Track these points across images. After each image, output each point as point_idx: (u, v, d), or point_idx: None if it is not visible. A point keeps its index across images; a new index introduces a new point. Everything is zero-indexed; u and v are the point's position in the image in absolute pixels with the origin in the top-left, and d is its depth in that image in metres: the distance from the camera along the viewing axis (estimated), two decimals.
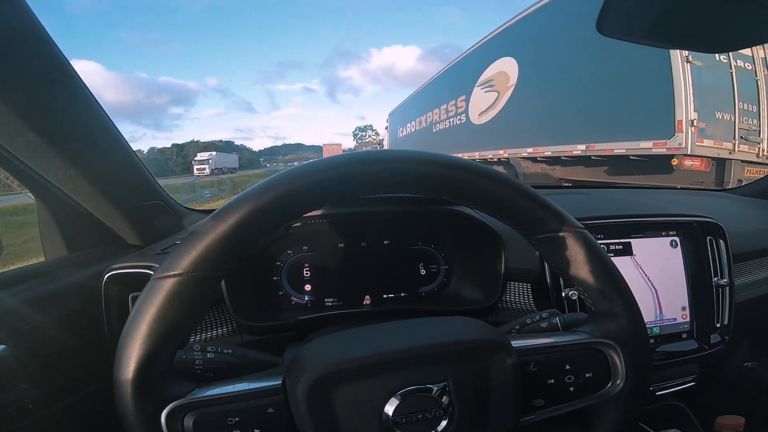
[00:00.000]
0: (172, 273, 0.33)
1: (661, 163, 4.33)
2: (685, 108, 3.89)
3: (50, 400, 0.51)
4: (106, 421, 0.54)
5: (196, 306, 0.34)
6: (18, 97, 0.47)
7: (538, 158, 6.27)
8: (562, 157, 5.72)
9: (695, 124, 3.87)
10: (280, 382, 0.36)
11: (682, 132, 3.91)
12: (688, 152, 3.91)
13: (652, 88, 4.20)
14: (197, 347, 0.41)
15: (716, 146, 4.01)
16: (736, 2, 0.38)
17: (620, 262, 0.52)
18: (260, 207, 0.35)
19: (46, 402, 0.50)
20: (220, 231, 0.34)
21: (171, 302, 0.33)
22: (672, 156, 4.07)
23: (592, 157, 5.11)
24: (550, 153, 5.90)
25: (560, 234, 0.41)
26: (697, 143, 3.90)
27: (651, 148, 4.24)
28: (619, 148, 4.63)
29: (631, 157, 4.55)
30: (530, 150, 6.32)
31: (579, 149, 5.23)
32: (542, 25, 6.02)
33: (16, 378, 0.47)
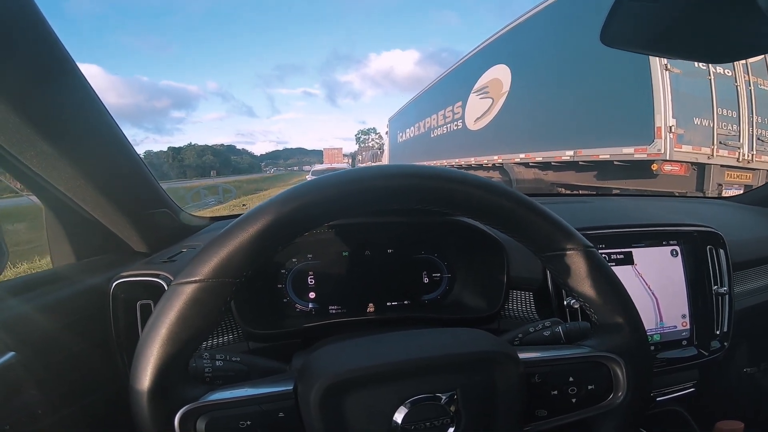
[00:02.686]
0: (193, 279, 0.34)
1: (643, 168, 4.49)
2: (664, 115, 4.08)
3: (59, 405, 0.52)
4: (114, 426, 0.56)
5: (214, 312, 0.35)
6: (31, 107, 0.47)
7: (530, 164, 6.42)
8: (553, 163, 5.88)
9: (673, 130, 4.06)
10: (291, 388, 0.37)
11: (661, 138, 4.09)
12: (667, 157, 4.09)
13: (634, 96, 4.40)
14: (206, 355, 0.42)
15: (695, 151, 4.18)
16: (739, 14, 0.38)
17: (621, 272, 0.53)
18: (282, 216, 0.36)
19: (55, 407, 0.51)
20: (241, 239, 0.35)
21: (191, 307, 0.34)
22: (652, 161, 4.25)
23: (580, 163, 5.29)
24: (541, 158, 6.07)
25: (569, 252, 0.43)
26: (675, 149, 4.09)
27: (633, 154, 4.44)
28: (603, 153, 4.83)
29: (616, 163, 4.74)
30: (522, 155, 6.48)
31: (567, 155, 5.41)
32: (532, 34, 6.22)
33: (25, 384, 0.47)
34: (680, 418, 0.92)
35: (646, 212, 1.03)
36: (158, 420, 0.34)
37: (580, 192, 5.35)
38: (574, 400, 0.43)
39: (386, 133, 18.18)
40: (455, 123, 9.25)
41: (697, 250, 0.84)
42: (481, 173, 8.19)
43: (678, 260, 0.84)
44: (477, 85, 7.97)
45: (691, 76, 4.24)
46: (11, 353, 0.46)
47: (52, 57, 0.49)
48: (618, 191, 4.80)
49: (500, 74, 7.14)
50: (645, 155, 4.28)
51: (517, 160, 6.68)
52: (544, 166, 6.23)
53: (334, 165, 19.88)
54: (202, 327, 0.35)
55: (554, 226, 0.42)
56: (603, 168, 5.10)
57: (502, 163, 7.26)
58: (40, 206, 0.68)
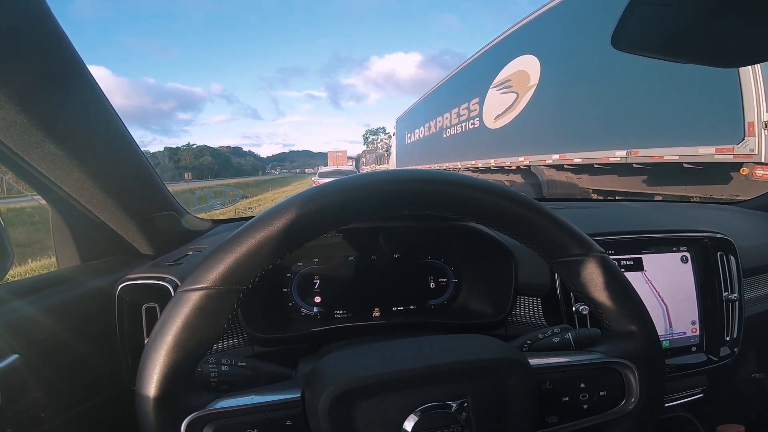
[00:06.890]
0: (199, 286, 0.34)
1: (718, 172, 3.73)
2: (757, 108, 3.28)
3: (62, 408, 0.52)
4: (118, 429, 0.57)
5: (221, 319, 0.34)
6: (38, 107, 0.47)
7: (565, 166, 5.66)
8: (595, 165, 5.11)
9: None
10: (299, 395, 0.36)
11: (754, 136, 3.29)
12: (762, 159, 3.28)
13: (715, 85, 3.58)
14: (212, 360, 0.42)
15: None
16: (754, 16, 0.37)
17: (631, 278, 0.47)
18: (288, 224, 0.35)
19: (59, 410, 0.51)
20: (247, 246, 0.34)
21: (197, 315, 0.33)
22: (740, 164, 3.45)
23: (634, 165, 4.49)
24: (580, 160, 5.29)
25: (581, 258, 0.42)
26: None
27: (713, 155, 3.60)
28: (670, 154, 3.99)
29: (685, 165, 3.93)
30: (556, 157, 5.72)
31: (618, 155, 4.60)
32: (568, 19, 5.47)
33: (28, 387, 0.47)
34: (688, 423, 0.91)
35: (656, 218, 1.03)
36: (164, 427, 0.33)
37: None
38: (585, 407, 0.43)
39: (393, 134, 17.52)
40: (471, 121, 8.55)
41: (708, 257, 0.82)
42: (500, 176, 7.56)
43: (688, 266, 0.82)
44: (497, 79, 7.27)
45: None
46: (15, 356, 0.46)
47: (61, 59, 0.48)
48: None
49: (526, 66, 6.42)
50: (731, 156, 3.47)
51: (549, 161, 5.91)
52: (581, 169, 5.47)
53: (340, 167, 19.70)
54: (209, 334, 0.34)
55: (566, 231, 0.42)
56: (661, 171, 4.31)
57: (529, 165, 6.49)
58: (46, 208, 0.69)
